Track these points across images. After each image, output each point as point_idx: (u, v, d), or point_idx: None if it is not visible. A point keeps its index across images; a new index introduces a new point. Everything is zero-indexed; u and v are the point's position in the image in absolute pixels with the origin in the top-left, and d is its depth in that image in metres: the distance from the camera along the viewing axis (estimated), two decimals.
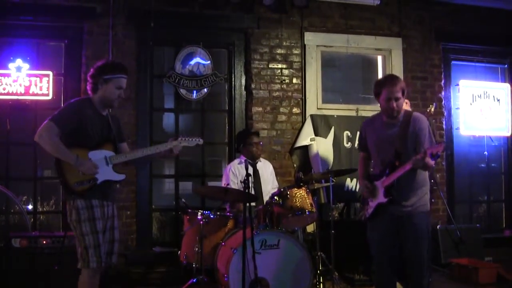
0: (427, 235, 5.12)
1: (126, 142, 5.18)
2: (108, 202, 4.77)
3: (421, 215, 5.03)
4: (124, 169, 4.94)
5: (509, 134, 9.22)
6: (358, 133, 7.94)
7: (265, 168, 7.18)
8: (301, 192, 6.20)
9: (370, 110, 8.20)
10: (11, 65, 7.16)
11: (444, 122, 8.79)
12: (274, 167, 7.43)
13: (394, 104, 4.95)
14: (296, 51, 8.26)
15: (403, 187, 4.97)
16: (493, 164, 9.54)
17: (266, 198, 6.69)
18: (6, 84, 7.14)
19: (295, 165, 8.03)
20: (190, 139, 5.13)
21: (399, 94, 4.95)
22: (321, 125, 8.07)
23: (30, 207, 7.61)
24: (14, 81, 7.15)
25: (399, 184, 4.94)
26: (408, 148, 4.94)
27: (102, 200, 4.69)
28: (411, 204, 4.98)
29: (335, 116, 8.22)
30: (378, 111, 5.38)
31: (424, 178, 5.09)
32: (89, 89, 4.84)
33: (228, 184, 6.77)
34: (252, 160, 6.94)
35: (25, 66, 7.20)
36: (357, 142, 7.97)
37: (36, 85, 7.21)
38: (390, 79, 5.14)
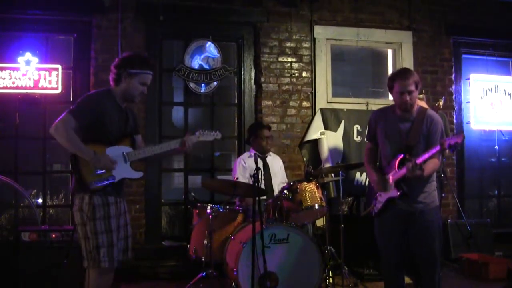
0: (439, 231, 5.08)
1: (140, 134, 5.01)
2: (121, 198, 4.63)
3: (433, 212, 4.98)
4: (139, 166, 4.80)
5: None
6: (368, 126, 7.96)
7: (275, 162, 7.15)
8: (310, 186, 6.16)
9: (380, 104, 8.15)
10: (20, 59, 7.17)
11: (454, 116, 8.74)
12: (283, 161, 7.40)
13: (407, 98, 4.85)
14: (306, 45, 8.22)
15: (413, 182, 4.89)
16: (503, 159, 9.48)
17: (276, 191, 6.68)
18: (15, 78, 7.15)
19: (304, 159, 8.00)
20: (207, 133, 5.03)
21: (412, 87, 4.85)
22: (331, 119, 8.04)
23: (39, 200, 7.63)
24: (23, 74, 7.16)
25: (409, 180, 4.85)
26: (419, 144, 4.88)
27: (116, 197, 4.54)
28: (421, 200, 4.92)
29: (345, 110, 8.19)
30: (388, 105, 5.34)
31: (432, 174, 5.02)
32: (111, 80, 4.65)
33: (237, 178, 6.75)
34: (262, 154, 6.90)
35: (34, 60, 7.20)
36: None
37: (45, 78, 7.21)
38: (402, 72, 5.03)
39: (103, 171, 4.40)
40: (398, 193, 4.90)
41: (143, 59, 4.72)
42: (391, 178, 4.95)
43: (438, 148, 4.59)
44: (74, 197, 4.52)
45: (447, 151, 4.80)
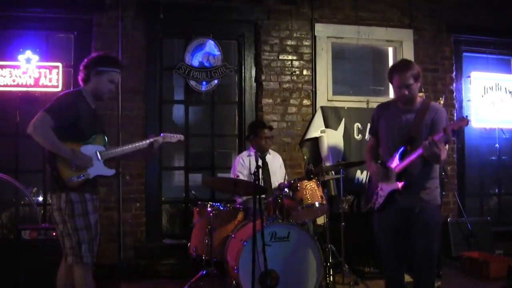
0: (438, 229, 5.04)
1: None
2: (96, 195, 4.76)
3: (433, 209, 4.90)
4: (113, 164, 4.91)
5: None
6: (368, 125, 7.89)
7: (274, 161, 7.14)
8: (311, 184, 6.16)
9: (381, 102, 8.15)
10: (20, 57, 7.16)
11: (455, 115, 8.72)
12: (284, 159, 7.39)
13: (405, 91, 4.80)
14: (307, 43, 8.21)
15: (415, 177, 4.83)
16: (504, 157, 9.46)
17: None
18: (15, 76, 7.14)
19: (305, 157, 8.00)
20: (171, 135, 5.22)
21: (410, 81, 4.78)
22: (331, 117, 8.03)
23: (40, 199, 7.63)
24: (24, 73, 7.15)
25: (410, 173, 4.81)
26: (422, 135, 4.79)
27: (92, 194, 4.66)
28: (423, 197, 4.84)
29: (346, 108, 8.18)
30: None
31: (434, 169, 4.94)
32: (81, 80, 4.81)
33: (237, 176, 6.75)
34: (260, 153, 6.90)
35: (35, 58, 7.20)
36: (367, 134, 7.89)
37: (45, 76, 7.21)
38: (401, 65, 4.96)
39: (80, 167, 4.53)
40: (401, 185, 4.81)
41: (111, 58, 4.93)
42: (394, 170, 4.89)
43: (441, 134, 4.51)
44: (52, 197, 4.66)
45: (452, 142, 4.67)
